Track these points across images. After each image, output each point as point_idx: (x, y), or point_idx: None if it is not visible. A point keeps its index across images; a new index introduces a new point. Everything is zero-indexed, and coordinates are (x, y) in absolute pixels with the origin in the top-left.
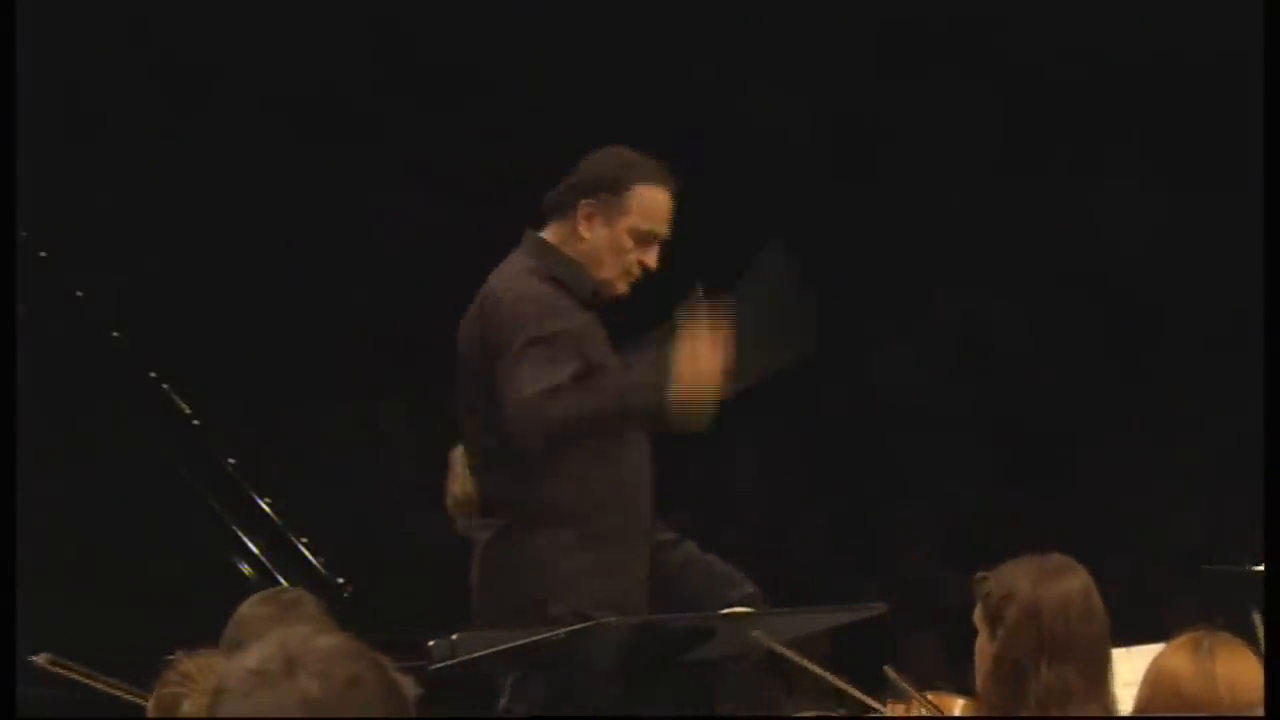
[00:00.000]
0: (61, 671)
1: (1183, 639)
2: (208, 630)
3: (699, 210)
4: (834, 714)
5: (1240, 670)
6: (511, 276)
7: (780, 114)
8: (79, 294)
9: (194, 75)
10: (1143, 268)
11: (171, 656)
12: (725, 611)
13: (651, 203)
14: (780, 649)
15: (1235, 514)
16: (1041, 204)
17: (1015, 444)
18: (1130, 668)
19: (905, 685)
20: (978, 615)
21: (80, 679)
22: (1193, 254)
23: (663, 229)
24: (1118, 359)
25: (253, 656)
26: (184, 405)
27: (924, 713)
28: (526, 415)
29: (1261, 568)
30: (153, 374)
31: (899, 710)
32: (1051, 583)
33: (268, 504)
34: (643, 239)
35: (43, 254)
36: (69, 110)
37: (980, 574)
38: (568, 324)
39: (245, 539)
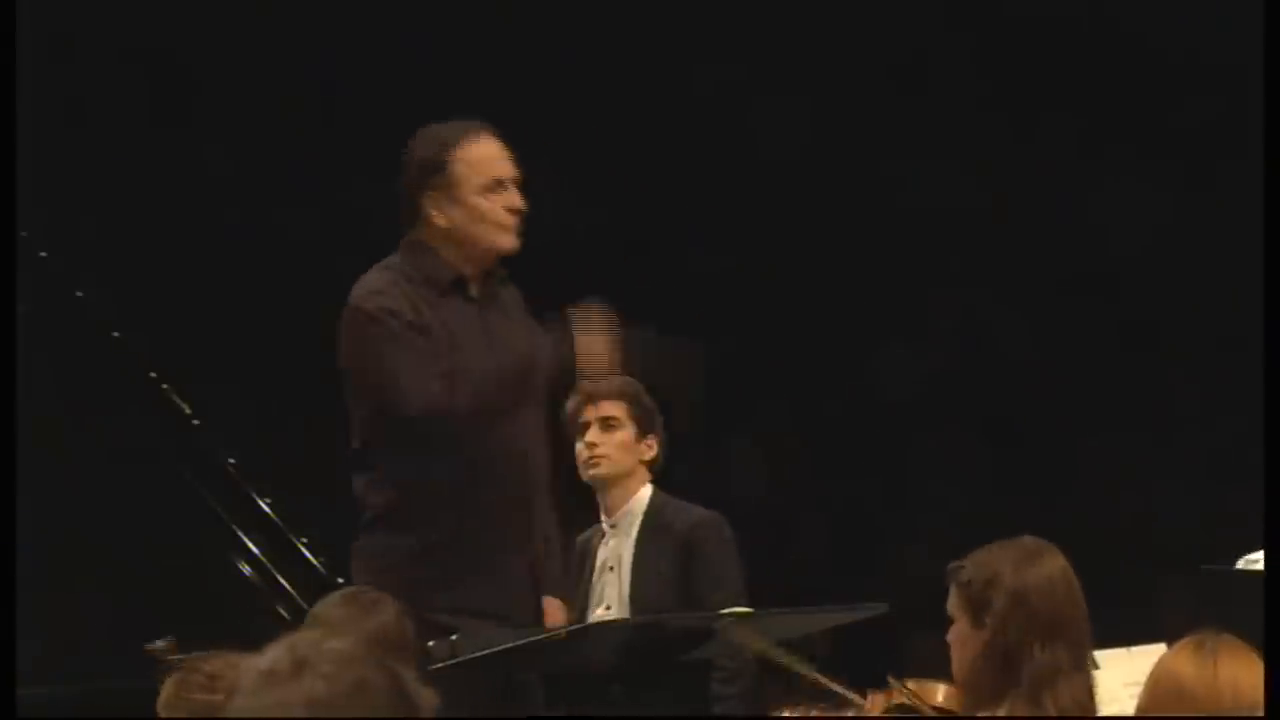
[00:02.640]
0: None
1: (1187, 641)
2: (208, 630)
3: (699, 210)
4: (832, 714)
5: (1244, 673)
6: (362, 280)
7: (780, 114)
8: (79, 294)
9: (195, 74)
10: (1144, 268)
11: (154, 645)
12: (725, 612)
13: (478, 155)
14: (765, 648)
15: (1235, 514)
16: (1042, 204)
17: (1015, 443)
18: (1131, 668)
19: (908, 691)
20: (954, 604)
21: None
22: (1193, 254)
23: (505, 170)
24: (1118, 359)
25: (265, 657)
26: (184, 405)
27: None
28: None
29: (1261, 567)
30: (153, 374)
31: (879, 701)
32: (1034, 566)
33: (268, 504)
34: (493, 189)
35: (43, 254)
36: (69, 110)
37: (955, 563)
38: (395, 305)
39: (245, 539)
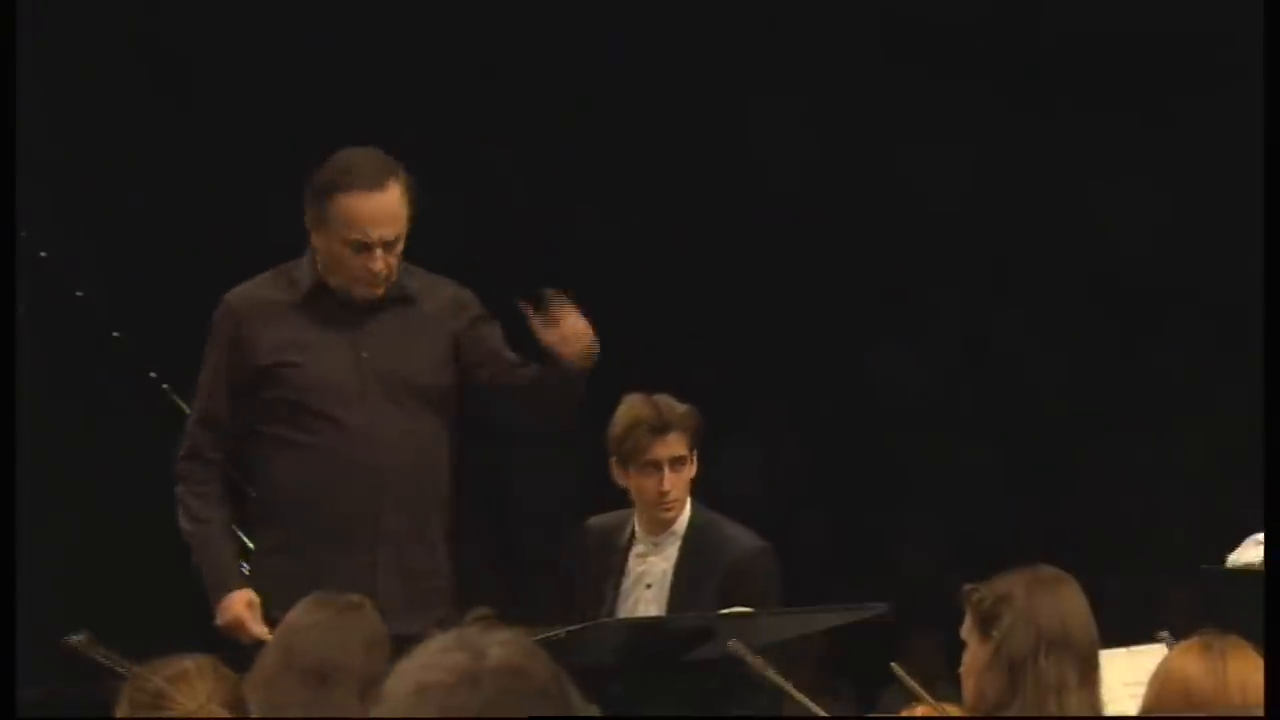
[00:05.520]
0: (97, 656)
1: (1192, 641)
2: (207, 630)
3: (697, 212)
4: (835, 715)
5: (1252, 672)
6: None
7: (780, 114)
8: (79, 294)
9: (195, 74)
10: (1144, 268)
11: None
12: (725, 612)
13: (351, 213)
14: (751, 658)
15: (1235, 514)
16: (1043, 203)
17: (1016, 444)
18: (1132, 668)
19: (911, 682)
20: (966, 626)
21: (112, 665)
22: (1194, 254)
23: (375, 233)
24: (1118, 359)
25: (441, 637)
26: (184, 405)
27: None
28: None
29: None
30: (153, 374)
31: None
32: (1047, 591)
33: None
34: (357, 247)
35: (43, 254)
36: (69, 110)
37: (969, 586)
38: (219, 347)
39: (245, 539)
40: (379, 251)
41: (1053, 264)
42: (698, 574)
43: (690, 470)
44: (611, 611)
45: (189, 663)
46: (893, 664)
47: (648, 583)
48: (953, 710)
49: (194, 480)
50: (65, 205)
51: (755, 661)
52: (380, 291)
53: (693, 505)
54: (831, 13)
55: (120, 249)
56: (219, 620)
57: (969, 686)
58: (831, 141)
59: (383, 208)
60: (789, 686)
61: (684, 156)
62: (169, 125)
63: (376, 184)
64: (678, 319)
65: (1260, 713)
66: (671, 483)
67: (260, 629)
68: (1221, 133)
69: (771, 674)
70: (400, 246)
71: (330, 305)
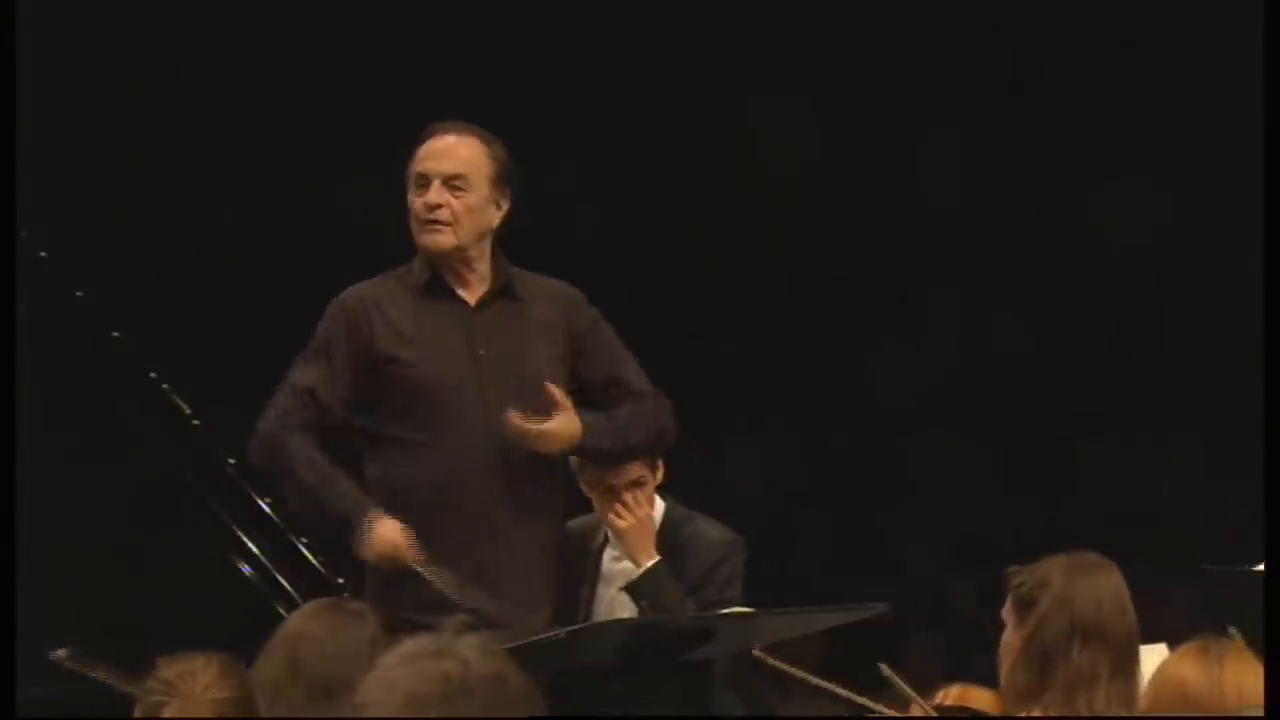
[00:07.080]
0: (81, 669)
1: (1190, 645)
2: (207, 630)
3: (698, 213)
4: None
5: (1249, 678)
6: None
7: (780, 114)
8: (79, 294)
9: (197, 74)
10: (1144, 268)
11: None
12: (725, 612)
13: (418, 152)
14: (780, 665)
15: (1235, 514)
16: (1043, 203)
17: (1016, 443)
18: None
19: (902, 684)
20: (1006, 609)
21: (100, 678)
22: (1193, 254)
23: (432, 164)
24: (1118, 359)
25: (409, 644)
26: (184, 405)
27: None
28: (256, 431)
29: (1262, 567)
30: (153, 374)
31: (916, 709)
32: (1085, 576)
33: (267, 504)
34: (416, 183)
35: (43, 254)
36: (69, 109)
37: (1012, 568)
38: (333, 334)
39: (245, 539)
40: (436, 184)
41: (1053, 264)
42: (675, 570)
43: (654, 481)
44: (588, 614)
45: (200, 659)
46: (881, 665)
47: (621, 585)
48: (978, 695)
49: (296, 438)
50: (65, 205)
51: (786, 668)
52: (445, 242)
53: (667, 503)
54: (832, 13)
55: (120, 249)
56: (370, 548)
57: (1004, 669)
58: (832, 141)
59: (447, 145)
60: (821, 681)
61: (685, 156)
62: (169, 125)
63: (452, 129)
64: (678, 319)
65: (1257, 715)
66: (629, 502)
67: (416, 555)
68: (1221, 133)
69: (811, 678)
70: (472, 200)
71: (443, 300)
